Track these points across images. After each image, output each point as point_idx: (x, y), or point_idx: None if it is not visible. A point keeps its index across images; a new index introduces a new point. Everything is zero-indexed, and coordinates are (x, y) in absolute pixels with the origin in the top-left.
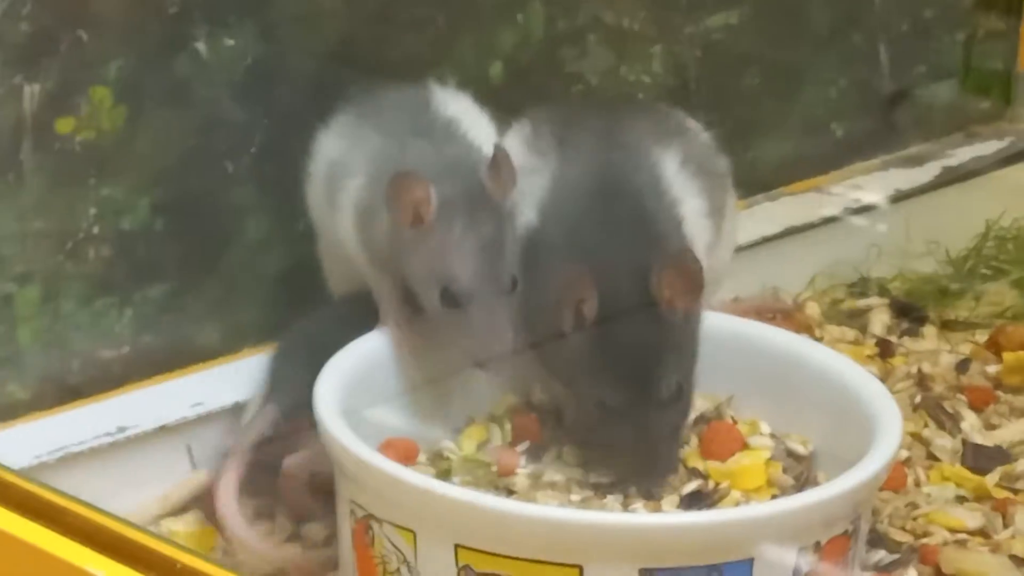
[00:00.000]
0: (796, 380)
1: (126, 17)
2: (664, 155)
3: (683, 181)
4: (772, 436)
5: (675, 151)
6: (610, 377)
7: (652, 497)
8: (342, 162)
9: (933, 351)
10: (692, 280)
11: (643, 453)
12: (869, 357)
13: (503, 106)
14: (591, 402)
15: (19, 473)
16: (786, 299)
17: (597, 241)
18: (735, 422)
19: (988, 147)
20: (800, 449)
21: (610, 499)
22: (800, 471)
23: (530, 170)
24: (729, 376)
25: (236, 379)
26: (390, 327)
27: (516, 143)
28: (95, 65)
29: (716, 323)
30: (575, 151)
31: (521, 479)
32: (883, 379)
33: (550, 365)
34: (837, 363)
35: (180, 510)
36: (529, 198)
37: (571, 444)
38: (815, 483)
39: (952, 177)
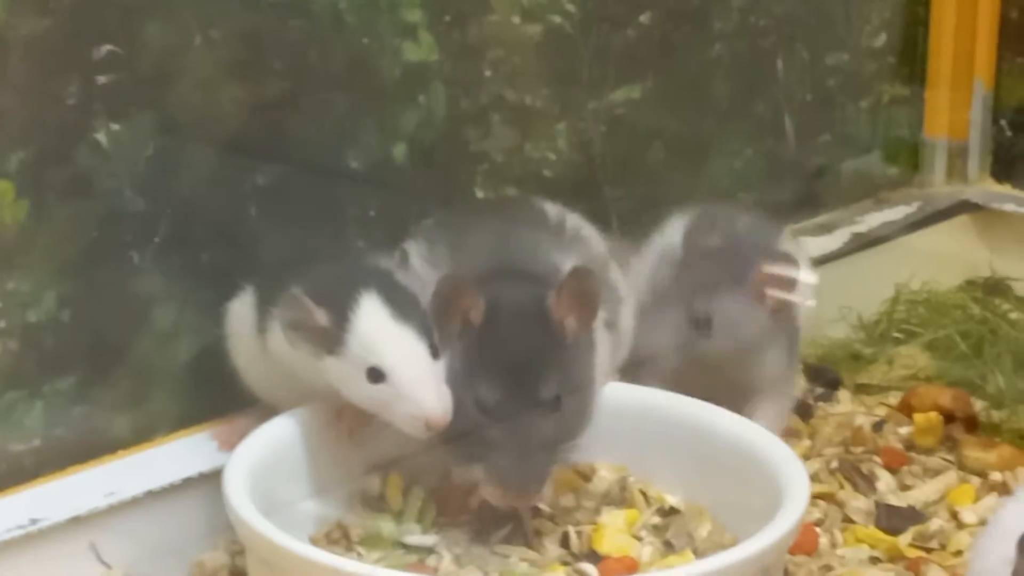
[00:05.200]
0: (705, 447)
1: (25, 110)
2: (564, 263)
3: None
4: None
5: (573, 258)
6: (490, 375)
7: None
8: None
9: (848, 414)
10: (588, 300)
11: (515, 453)
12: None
13: (407, 187)
14: (469, 399)
15: None
16: None
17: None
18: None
19: (897, 212)
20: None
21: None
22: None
23: (429, 282)
24: (639, 444)
25: (148, 468)
26: None
27: (414, 259)
28: None
29: (624, 393)
30: (470, 255)
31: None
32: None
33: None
34: (745, 430)
35: None
36: None
37: (448, 444)
38: (720, 546)
39: (862, 243)
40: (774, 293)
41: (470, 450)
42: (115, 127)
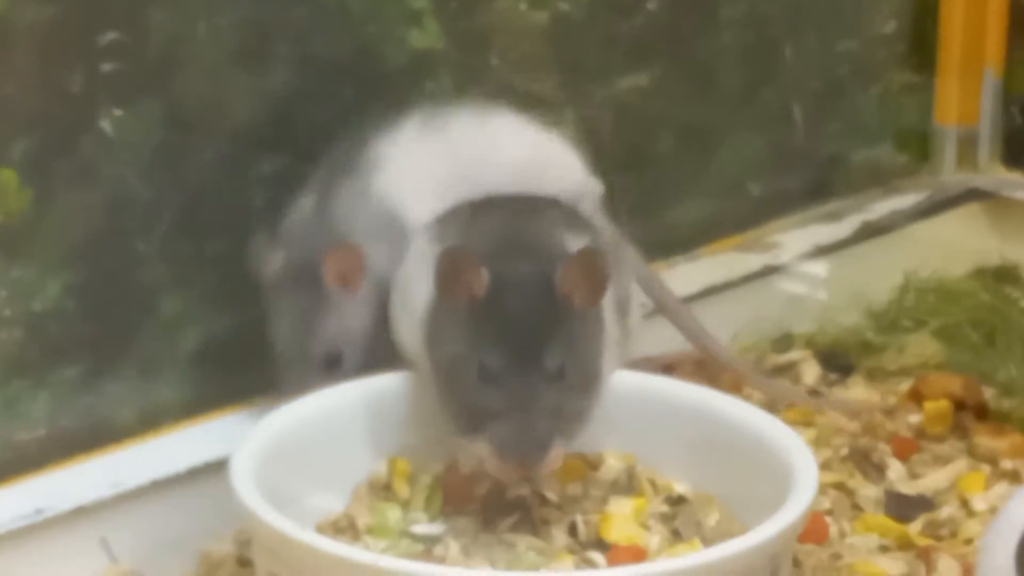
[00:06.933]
0: (713, 435)
1: (29, 98)
2: (574, 243)
3: None
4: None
5: (584, 241)
6: (495, 341)
7: (523, 466)
8: None
9: (862, 401)
10: (595, 279)
11: (516, 423)
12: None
13: None
14: (473, 368)
15: None
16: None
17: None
18: (652, 484)
19: (907, 200)
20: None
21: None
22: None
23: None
24: (647, 432)
25: (154, 458)
26: None
27: (424, 243)
28: None
29: (631, 381)
30: (482, 238)
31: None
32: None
33: (440, 344)
34: (754, 418)
35: None
36: None
37: (448, 413)
38: (729, 534)
39: (872, 231)
40: (345, 275)
41: (473, 421)
42: (119, 114)
